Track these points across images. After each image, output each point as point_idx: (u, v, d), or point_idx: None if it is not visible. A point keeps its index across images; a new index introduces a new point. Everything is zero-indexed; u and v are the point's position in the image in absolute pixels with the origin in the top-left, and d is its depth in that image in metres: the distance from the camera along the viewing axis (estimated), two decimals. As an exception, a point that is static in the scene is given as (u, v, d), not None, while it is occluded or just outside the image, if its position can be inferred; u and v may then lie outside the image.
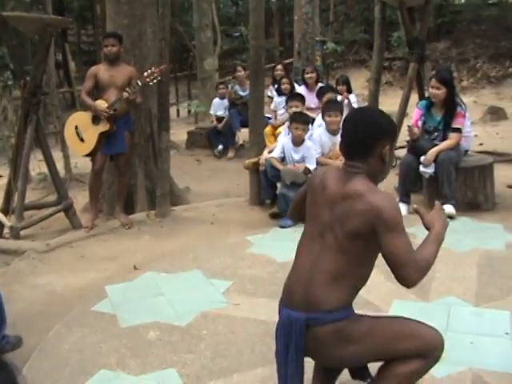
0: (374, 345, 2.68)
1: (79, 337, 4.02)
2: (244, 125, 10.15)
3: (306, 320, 2.61)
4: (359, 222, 2.55)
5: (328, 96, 7.45)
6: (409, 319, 2.89)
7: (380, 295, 4.44)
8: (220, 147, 11.16)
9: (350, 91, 9.10)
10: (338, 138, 6.48)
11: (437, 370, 3.36)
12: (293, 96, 7.67)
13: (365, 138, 2.64)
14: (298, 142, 6.39)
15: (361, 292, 4.39)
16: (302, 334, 2.62)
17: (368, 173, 2.66)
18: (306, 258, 2.72)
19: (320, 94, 7.72)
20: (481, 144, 10.08)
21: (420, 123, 6.63)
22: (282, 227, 6.15)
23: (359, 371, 3.05)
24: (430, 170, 6.43)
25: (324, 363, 2.91)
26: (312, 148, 6.39)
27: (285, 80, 9.34)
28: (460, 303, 4.31)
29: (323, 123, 6.77)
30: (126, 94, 6.15)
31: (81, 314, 4.40)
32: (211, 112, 11.81)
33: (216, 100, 11.67)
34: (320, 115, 6.98)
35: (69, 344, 3.93)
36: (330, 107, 6.64)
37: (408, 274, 2.54)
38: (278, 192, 6.61)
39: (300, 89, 8.92)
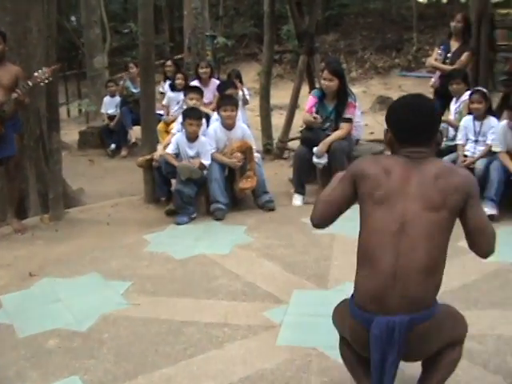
0: (452, 330, 2.71)
1: (-27, 350, 3.83)
2: (136, 123, 10.02)
3: (410, 321, 2.50)
4: (459, 196, 2.57)
5: (230, 92, 7.39)
6: None
7: (279, 286, 4.47)
8: (113, 146, 10.99)
9: (241, 85, 9.13)
10: (233, 132, 6.52)
11: (338, 355, 3.40)
12: (191, 88, 7.62)
13: (432, 124, 2.71)
14: (192, 137, 6.34)
15: (260, 284, 4.48)
16: (405, 337, 2.51)
17: (431, 156, 2.70)
18: (388, 256, 2.58)
19: (221, 90, 7.65)
20: (371, 133, 10.36)
21: (314, 110, 6.73)
22: (178, 224, 6.10)
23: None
24: (323, 161, 6.54)
25: (418, 359, 2.79)
26: (207, 143, 6.36)
27: (179, 75, 9.26)
28: (357, 289, 4.40)
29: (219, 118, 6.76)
30: (15, 95, 5.90)
31: (-27, 326, 4.19)
32: (102, 111, 11.61)
33: (106, 98, 11.48)
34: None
35: (-37, 359, 3.74)
36: (225, 102, 6.60)
37: (493, 242, 2.71)
38: (173, 188, 6.55)
39: (193, 84, 8.86)
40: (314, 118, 6.58)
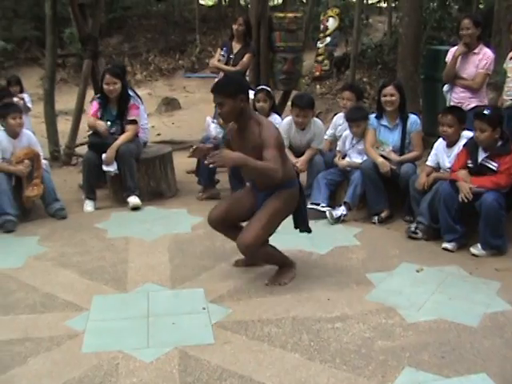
0: None
1: None
2: None
3: None
4: None
5: (7, 100, 7.06)
6: None
7: (79, 294, 4.44)
8: None
9: (22, 91, 8.82)
10: (19, 141, 6.31)
11: (145, 355, 3.51)
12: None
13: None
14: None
15: (59, 294, 4.41)
16: None
17: None
18: None
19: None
20: (158, 134, 10.49)
21: (99, 115, 6.70)
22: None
23: None
24: (113, 169, 6.53)
25: None
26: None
27: None
28: (157, 288, 4.50)
29: (1, 127, 6.48)
30: None
31: None
32: None
33: None
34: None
35: None
36: (11, 110, 6.32)
37: None
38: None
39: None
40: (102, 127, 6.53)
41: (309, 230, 4.78)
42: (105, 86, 6.61)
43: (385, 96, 6.10)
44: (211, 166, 4.16)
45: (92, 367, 3.43)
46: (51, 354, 3.62)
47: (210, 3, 24.23)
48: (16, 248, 5.51)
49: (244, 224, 4.56)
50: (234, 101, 4.28)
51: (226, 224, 4.68)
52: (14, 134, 6.29)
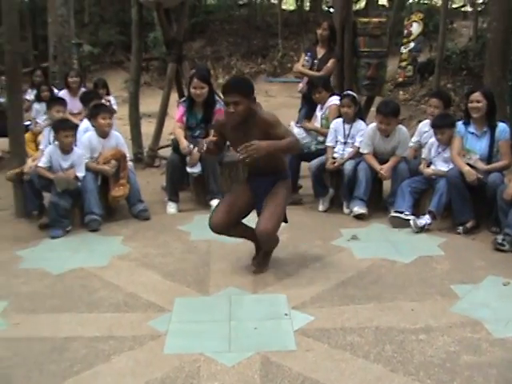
0: None
1: None
2: (2, 134, 9.64)
3: None
4: None
5: (94, 102, 7.23)
6: None
7: (161, 295, 4.48)
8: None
9: (108, 93, 9.02)
10: (108, 141, 6.45)
11: (226, 359, 3.50)
12: (54, 100, 7.41)
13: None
14: (66, 149, 6.19)
15: (141, 294, 4.47)
16: None
17: None
18: None
19: (85, 100, 7.49)
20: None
21: (184, 119, 6.77)
22: (52, 238, 5.93)
23: None
24: (197, 170, 6.59)
25: None
26: (82, 155, 6.24)
27: (44, 87, 9.01)
28: (239, 293, 4.49)
29: (91, 127, 6.64)
30: None
31: None
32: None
33: None
34: (85, 120, 6.82)
35: None
36: (104, 110, 6.52)
37: None
38: (47, 201, 6.35)
39: (62, 93, 8.66)
40: (187, 148, 6.57)
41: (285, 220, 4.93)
42: (192, 90, 6.67)
43: (471, 102, 5.97)
44: (247, 159, 4.31)
45: (174, 368, 3.45)
46: (134, 353, 3.65)
47: (291, 8, 24.26)
48: (100, 247, 5.63)
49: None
50: (249, 100, 4.44)
51: (230, 225, 4.79)
52: (103, 133, 6.46)
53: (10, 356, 3.69)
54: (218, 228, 4.75)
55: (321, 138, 6.99)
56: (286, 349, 3.64)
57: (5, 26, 6.72)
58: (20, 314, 4.28)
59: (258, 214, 4.73)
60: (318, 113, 7.16)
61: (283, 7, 22.47)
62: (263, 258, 4.96)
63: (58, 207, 5.95)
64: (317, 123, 7.14)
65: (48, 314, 4.25)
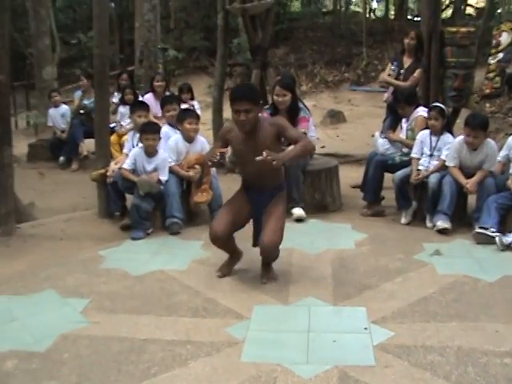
0: None
1: None
2: (88, 135, 9.88)
3: None
4: None
5: (174, 107, 7.23)
6: None
7: (240, 302, 4.46)
8: (62, 159, 10.72)
9: (192, 98, 9.11)
10: (193, 145, 6.50)
11: (304, 371, 3.45)
12: (137, 105, 7.48)
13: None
14: (150, 152, 6.28)
15: (220, 300, 4.46)
16: None
17: None
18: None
19: (163, 105, 7.50)
20: (323, 147, 10.44)
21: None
22: (134, 239, 6.03)
23: None
24: None
25: None
26: (166, 158, 6.32)
27: (128, 91, 9.19)
28: (319, 303, 4.42)
29: (172, 132, 6.71)
30: None
31: None
32: (49, 124, 11.30)
33: (51, 110, 11.15)
34: (166, 125, 6.89)
35: None
36: (191, 115, 6.59)
37: None
38: (129, 203, 6.46)
39: (147, 97, 8.80)
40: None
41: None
42: (274, 97, 6.67)
43: None
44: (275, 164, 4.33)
45: (250, 377, 3.41)
46: (211, 359, 3.64)
47: (376, 16, 24.05)
48: (181, 251, 5.67)
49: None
50: (258, 108, 4.50)
51: (231, 237, 4.83)
52: (189, 138, 6.53)
53: (89, 354, 3.76)
54: (221, 239, 4.76)
55: (405, 150, 6.84)
56: (365, 364, 3.56)
57: (95, 31, 6.87)
58: (100, 313, 4.35)
59: (255, 227, 4.82)
60: (404, 124, 7.02)
61: (367, 15, 22.30)
62: (268, 272, 4.92)
63: (139, 209, 6.03)
64: (402, 134, 7.00)
65: (127, 315, 4.30)
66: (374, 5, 24.64)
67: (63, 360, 3.69)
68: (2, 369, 3.64)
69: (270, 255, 4.77)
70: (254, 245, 4.96)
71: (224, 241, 4.81)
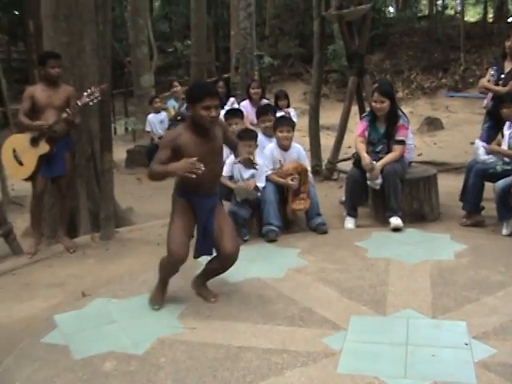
0: None
1: (30, 372, 3.80)
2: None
3: None
4: None
5: (270, 117, 7.19)
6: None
7: (337, 312, 4.40)
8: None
9: (288, 105, 9.10)
10: (289, 153, 6.50)
11: (403, 386, 3.37)
12: (232, 112, 7.48)
13: None
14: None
15: (317, 309, 4.41)
16: None
17: None
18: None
19: (258, 114, 7.46)
20: (419, 154, 10.24)
21: (366, 134, 6.66)
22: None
23: None
24: (379, 181, 6.43)
25: None
26: (263, 166, 6.32)
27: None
28: (417, 316, 4.31)
29: (265, 141, 6.73)
30: (65, 115, 6.00)
31: (30, 346, 4.17)
32: (147, 129, 11.58)
33: (151, 116, 11.42)
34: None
35: (20, 380, 3.71)
36: (283, 123, 6.59)
37: None
38: (228, 210, 6.48)
39: (244, 104, 8.85)
40: (370, 164, 6.43)
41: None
42: (373, 104, 6.57)
43: None
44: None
45: (346, 389, 3.36)
46: (307, 369, 3.61)
47: (473, 19, 23.46)
48: (277, 259, 5.66)
49: None
50: None
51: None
52: (283, 146, 6.52)
53: (185, 359, 3.80)
54: (183, 261, 4.48)
55: (507, 159, 6.60)
56: (465, 381, 3.42)
57: (193, 39, 7.00)
58: (196, 319, 4.39)
59: (198, 237, 4.66)
60: (507, 131, 6.75)
61: (465, 18, 21.77)
62: (208, 288, 4.86)
63: (237, 216, 6.06)
64: (504, 142, 6.76)
65: (223, 322, 4.32)
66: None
67: (160, 364, 3.76)
68: (101, 369, 3.75)
69: (232, 263, 4.63)
70: (196, 256, 4.79)
71: (184, 261, 4.53)
